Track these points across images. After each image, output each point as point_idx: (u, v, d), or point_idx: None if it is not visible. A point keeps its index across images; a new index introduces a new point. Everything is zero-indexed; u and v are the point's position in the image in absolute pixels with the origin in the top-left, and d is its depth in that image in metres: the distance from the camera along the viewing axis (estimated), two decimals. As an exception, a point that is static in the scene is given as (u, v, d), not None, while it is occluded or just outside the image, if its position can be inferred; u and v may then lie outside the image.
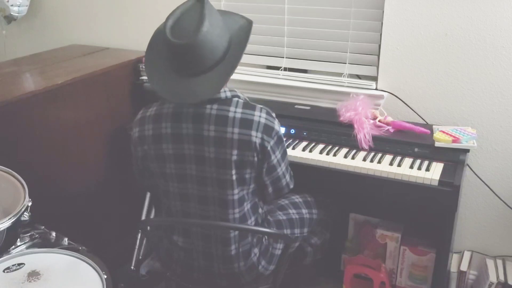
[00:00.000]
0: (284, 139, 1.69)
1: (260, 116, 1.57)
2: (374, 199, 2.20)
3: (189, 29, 1.47)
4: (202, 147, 1.58)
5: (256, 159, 1.58)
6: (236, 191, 1.61)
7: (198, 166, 1.60)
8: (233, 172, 1.58)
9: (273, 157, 1.61)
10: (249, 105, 1.59)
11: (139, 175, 1.78)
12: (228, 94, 1.59)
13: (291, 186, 1.75)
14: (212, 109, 1.57)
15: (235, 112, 1.56)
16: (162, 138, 1.61)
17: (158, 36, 1.60)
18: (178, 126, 1.59)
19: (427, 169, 1.86)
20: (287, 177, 1.72)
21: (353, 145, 2.03)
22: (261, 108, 1.60)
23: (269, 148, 1.58)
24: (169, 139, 1.61)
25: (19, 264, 1.44)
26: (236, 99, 1.60)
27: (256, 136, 1.55)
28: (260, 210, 1.73)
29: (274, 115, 1.63)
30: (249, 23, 1.61)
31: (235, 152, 1.55)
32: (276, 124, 1.61)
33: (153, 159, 1.65)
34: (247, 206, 1.66)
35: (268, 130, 1.58)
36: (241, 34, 1.57)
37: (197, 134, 1.58)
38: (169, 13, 1.52)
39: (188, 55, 1.49)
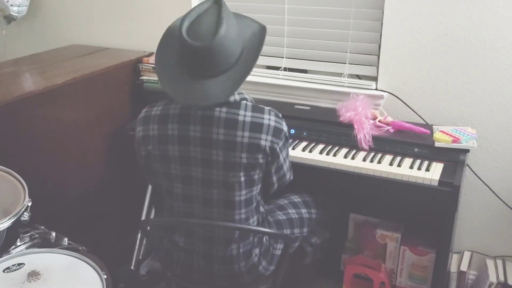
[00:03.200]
0: None
1: (269, 119, 1.57)
2: (374, 199, 2.20)
3: (207, 32, 1.46)
4: (210, 150, 1.57)
5: (265, 161, 1.59)
6: (243, 192, 1.61)
7: (205, 168, 1.59)
8: (242, 174, 1.58)
9: (281, 157, 1.63)
10: (257, 108, 1.59)
11: (145, 172, 1.78)
12: (237, 97, 1.58)
13: (292, 178, 1.77)
14: (221, 112, 1.56)
15: (244, 115, 1.56)
16: (168, 140, 1.60)
17: (171, 35, 1.59)
18: (185, 128, 1.58)
19: (427, 169, 1.86)
20: (289, 171, 1.74)
21: (353, 145, 2.03)
22: (269, 110, 1.60)
23: (278, 149, 1.59)
24: (175, 141, 1.59)
25: (19, 264, 1.44)
26: (244, 102, 1.59)
27: (266, 140, 1.56)
28: (261, 209, 1.74)
29: (281, 115, 1.64)
30: (262, 28, 1.61)
31: (244, 155, 1.55)
32: (284, 126, 1.62)
33: (157, 159, 1.64)
34: (253, 206, 1.66)
35: (277, 132, 1.58)
36: (254, 39, 1.57)
37: (205, 137, 1.57)
38: (181, 14, 1.51)
39: (204, 58, 1.48)
